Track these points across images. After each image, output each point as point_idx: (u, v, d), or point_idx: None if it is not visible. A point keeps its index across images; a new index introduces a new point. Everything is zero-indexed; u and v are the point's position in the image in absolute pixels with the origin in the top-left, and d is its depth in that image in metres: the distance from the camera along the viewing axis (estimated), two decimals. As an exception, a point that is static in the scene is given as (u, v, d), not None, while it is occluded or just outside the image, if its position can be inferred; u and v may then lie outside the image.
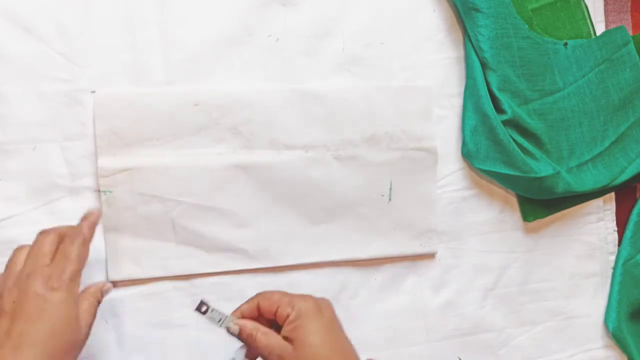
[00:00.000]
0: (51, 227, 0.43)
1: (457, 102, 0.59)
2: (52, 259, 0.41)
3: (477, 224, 0.59)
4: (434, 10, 0.58)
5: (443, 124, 0.58)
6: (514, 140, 0.56)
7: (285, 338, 0.42)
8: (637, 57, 0.61)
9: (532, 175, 0.56)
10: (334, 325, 0.43)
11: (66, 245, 0.42)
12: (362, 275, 0.57)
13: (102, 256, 0.51)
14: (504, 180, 0.59)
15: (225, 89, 0.53)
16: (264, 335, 0.42)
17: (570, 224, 0.63)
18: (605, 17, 0.63)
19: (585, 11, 0.62)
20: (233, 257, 0.53)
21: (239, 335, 0.43)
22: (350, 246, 0.56)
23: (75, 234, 0.43)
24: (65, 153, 0.50)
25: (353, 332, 0.56)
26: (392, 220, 0.56)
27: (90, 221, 0.45)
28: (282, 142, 0.53)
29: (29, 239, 0.49)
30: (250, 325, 0.43)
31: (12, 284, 0.39)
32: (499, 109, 0.57)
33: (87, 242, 0.43)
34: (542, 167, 0.57)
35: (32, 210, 0.50)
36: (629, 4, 0.64)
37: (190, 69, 0.52)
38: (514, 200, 0.61)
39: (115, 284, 0.51)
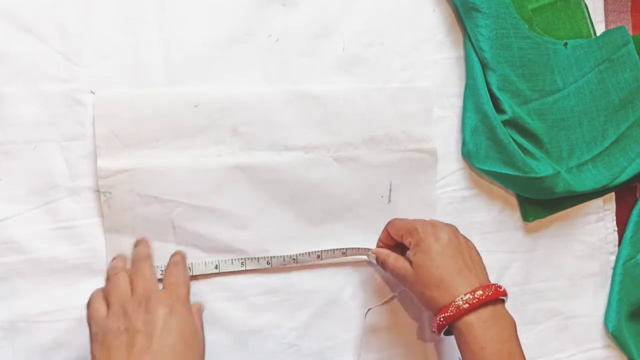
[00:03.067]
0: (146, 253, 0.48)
1: (457, 102, 0.59)
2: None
3: (477, 224, 0.59)
4: (434, 10, 0.58)
5: (443, 124, 0.58)
6: (514, 140, 0.56)
7: (409, 262, 0.49)
8: (637, 57, 0.61)
9: (532, 175, 0.56)
10: (448, 250, 0.48)
11: (172, 270, 0.46)
12: (362, 276, 0.57)
13: (101, 257, 0.51)
14: (504, 180, 0.59)
15: (226, 90, 0.53)
16: (393, 260, 0.50)
17: (570, 224, 0.63)
18: (605, 17, 0.63)
19: (585, 11, 0.62)
20: (233, 258, 0.53)
21: (377, 261, 0.53)
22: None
23: (176, 261, 0.48)
24: (65, 153, 0.50)
25: (353, 332, 0.57)
26: (390, 221, 0.56)
27: (182, 255, 0.49)
28: (282, 144, 0.53)
29: (29, 239, 0.49)
30: (383, 252, 0.52)
31: (136, 306, 0.42)
32: (499, 109, 0.57)
33: (186, 267, 0.48)
34: (542, 167, 0.57)
35: (32, 210, 0.50)
36: (629, 4, 0.64)
37: (190, 69, 0.52)
38: (514, 200, 0.61)
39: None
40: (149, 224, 0.51)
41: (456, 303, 0.45)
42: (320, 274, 0.56)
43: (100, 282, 0.51)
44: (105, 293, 0.44)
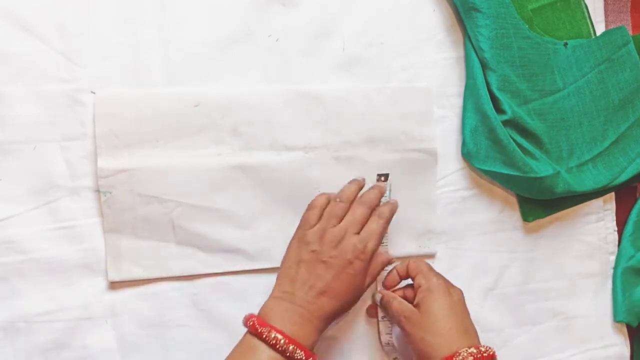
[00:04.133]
0: (366, 199, 0.52)
1: (457, 102, 0.59)
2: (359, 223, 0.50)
3: (477, 224, 0.59)
4: (434, 10, 0.58)
5: (443, 124, 0.58)
6: (514, 140, 0.56)
7: (415, 305, 0.49)
8: (637, 57, 0.61)
9: (532, 175, 0.56)
10: (459, 306, 0.49)
11: (374, 222, 0.51)
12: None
13: (101, 257, 0.51)
14: (504, 180, 0.59)
15: (226, 90, 0.53)
16: (398, 303, 0.50)
17: (570, 224, 0.62)
18: (605, 17, 0.63)
19: (585, 11, 0.62)
20: (233, 258, 0.53)
21: (380, 302, 0.53)
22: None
23: (382, 213, 0.52)
24: (65, 153, 0.50)
25: (353, 332, 0.56)
26: (391, 222, 0.56)
27: (392, 206, 0.53)
28: (282, 143, 0.53)
29: (29, 239, 0.49)
30: (389, 294, 0.52)
31: (332, 238, 0.48)
32: (499, 109, 0.57)
33: (388, 223, 0.52)
34: (542, 167, 0.57)
35: (32, 210, 0.50)
36: (629, 4, 0.64)
37: (190, 69, 0.52)
38: (514, 200, 0.61)
39: (115, 284, 0.51)
40: (149, 224, 0.51)
41: (462, 354, 0.45)
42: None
43: (100, 282, 0.51)
44: (324, 206, 0.51)
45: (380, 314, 0.56)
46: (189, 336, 0.53)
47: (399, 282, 0.53)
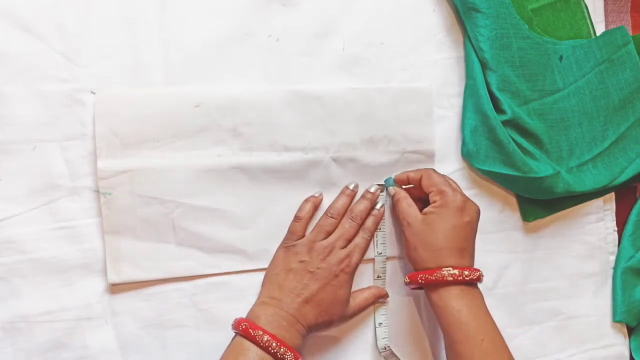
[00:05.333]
0: (355, 214, 0.54)
1: (457, 102, 0.59)
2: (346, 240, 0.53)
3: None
4: (434, 11, 0.58)
5: (443, 124, 0.58)
6: (514, 141, 0.56)
7: (424, 213, 0.51)
8: (637, 57, 0.61)
9: (532, 175, 0.56)
10: (465, 229, 0.50)
11: (360, 237, 0.54)
12: (362, 275, 0.57)
13: (101, 257, 0.51)
14: (504, 180, 0.59)
15: (226, 90, 0.53)
16: (407, 205, 0.52)
17: (570, 224, 0.62)
18: (605, 17, 0.63)
19: (585, 11, 0.62)
20: (233, 258, 0.53)
21: (392, 196, 0.55)
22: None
23: (366, 227, 0.55)
24: (65, 153, 0.50)
25: (352, 333, 0.57)
26: (390, 222, 0.56)
27: (376, 217, 0.55)
28: (282, 144, 0.53)
29: (29, 239, 0.49)
30: (402, 193, 0.54)
31: (321, 251, 0.51)
32: (498, 109, 0.57)
33: (372, 235, 0.55)
34: (542, 167, 0.57)
35: (32, 210, 0.50)
36: (629, 4, 0.64)
37: (190, 69, 0.52)
38: (514, 200, 0.61)
39: (115, 284, 0.51)
40: (149, 225, 0.51)
41: (442, 272, 0.48)
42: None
43: (100, 282, 0.51)
44: (308, 219, 0.54)
45: (377, 320, 0.56)
46: (189, 336, 0.53)
47: (416, 185, 0.54)
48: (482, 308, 0.49)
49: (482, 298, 0.50)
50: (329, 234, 0.53)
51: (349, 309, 0.53)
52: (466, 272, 0.48)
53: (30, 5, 0.49)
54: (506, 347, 0.48)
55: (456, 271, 0.48)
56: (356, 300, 0.53)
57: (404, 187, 0.55)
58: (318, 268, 0.51)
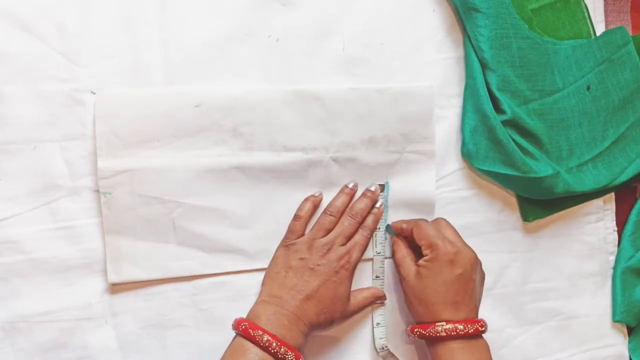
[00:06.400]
0: (355, 212, 0.54)
1: (457, 102, 0.59)
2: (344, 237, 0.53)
3: (477, 224, 0.59)
4: (434, 11, 0.58)
5: (443, 124, 0.58)
6: (514, 140, 0.56)
7: (417, 265, 0.51)
8: (637, 57, 0.61)
9: (532, 175, 0.56)
10: (458, 282, 0.49)
11: (359, 235, 0.54)
12: (362, 275, 0.57)
13: (101, 257, 0.51)
14: (504, 180, 0.59)
15: (226, 90, 0.53)
16: (401, 256, 0.53)
17: (570, 224, 0.62)
18: (605, 17, 0.63)
19: (585, 11, 0.62)
20: (233, 258, 0.53)
21: (392, 252, 0.55)
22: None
23: (366, 225, 0.55)
24: (65, 153, 0.50)
25: (351, 333, 0.57)
26: (391, 222, 0.56)
27: (376, 215, 0.55)
28: (282, 144, 0.53)
29: (29, 239, 0.49)
30: (398, 243, 0.55)
31: (320, 248, 0.51)
32: (498, 109, 0.57)
33: (372, 233, 0.55)
34: (541, 167, 0.57)
35: (32, 210, 0.50)
36: (629, 4, 0.64)
37: (190, 69, 0.52)
38: (514, 200, 0.61)
39: (115, 284, 0.51)
40: (149, 225, 0.51)
41: (436, 328, 0.49)
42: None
43: (100, 282, 0.51)
44: (308, 218, 0.54)
45: (375, 320, 0.56)
46: (189, 336, 0.53)
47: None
48: None
49: (486, 350, 0.50)
50: (329, 231, 0.53)
51: (349, 306, 0.52)
52: (460, 327, 0.48)
53: (30, 5, 0.49)
54: None
55: (450, 326, 0.48)
56: (357, 299, 0.53)
57: None
58: (318, 265, 0.51)
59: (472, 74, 0.57)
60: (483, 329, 0.49)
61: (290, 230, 0.53)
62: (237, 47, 0.53)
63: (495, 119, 0.56)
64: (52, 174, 0.50)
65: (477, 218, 0.59)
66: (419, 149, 0.57)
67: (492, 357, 0.50)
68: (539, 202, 0.60)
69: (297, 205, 0.54)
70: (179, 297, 0.53)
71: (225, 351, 0.47)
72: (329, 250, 0.52)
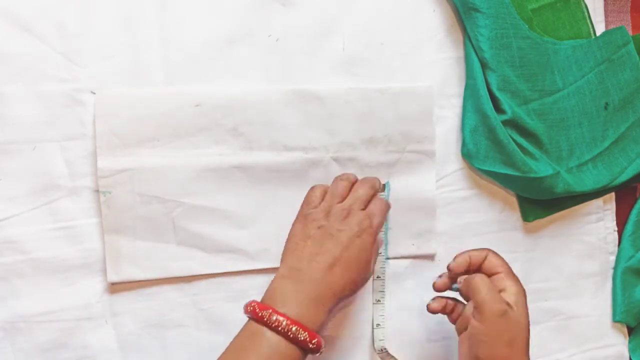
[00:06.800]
0: (368, 181, 0.52)
1: (457, 102, 0.59)
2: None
3: (477, 224, 0.59)
4: (434, 11, 0.58)
5: (443, 124, 0.58)
6: (514, 140, 0.56)
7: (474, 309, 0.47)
8: (637, 57, 0.61)
9: (532, 175, 0.56)
10: (508, 335, 0.46)
11: (377, 200, 0.51)
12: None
13: (101, 257, 0.51)
14: (504, 180, 0.59)
15: (226, 90, 0.53)
16: (465, 319, 0.48)
17: (570, 224, 0.63)
18: (605, 17, 0.63)
19: (585, 11, 0.62)
20: (233, 258, 0.53)
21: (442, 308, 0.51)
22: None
23: (383, 199, 0.53)
24: (65, 153, 0.50)
25: (350, 333, 0.57)
26: (390, 222, 0.56)
27: (388, 204, 0.53)
28: (282, 144, 0.53)
29: (29, 239, 0.49)
30: (456, 305, 0.51)
31: (339, 213, 0.48)
32: (498, 109, 0.57)
33: (388, 209, 0.53)
34: (541, 167, 0.57)
35: (32, 210, 0.50)
36: (629, 4, 0.64)
37: (190, 69, 0.52)
38: (514, 200, 0.61)
39: (115, 284, 0.51)
40: (149, 224, 0.51)
41: None
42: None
43: (100, 282, 0.51)
44: (325, 189, 0.51)
45: (375, 321, 0.56)
46: (189, 336, 0.53)
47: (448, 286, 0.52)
48: None
49: None
50: (344, 198, 0.50)
51: (369, 273, 0.49)
52: None
53: (30, 5, 0.49)
54: None
55: None
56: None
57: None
58: (339, 229, 0.47)
59: (472, 74, 0.57)
60: None
61: (306, 202, 0.51)
62: (237, 47, 0.53)
63: (496, 119, 0.56)
64: (52, 174, 0.50)
65: (477, 218, 0.59)
66: (419, 148, 0.57)
67: None
68: (539, 202, 0.60)
69: (298, 205, 0.54)
70: (178, 297, 0.53)
71: (237, 334, 0.45)
72: (348, 214, 0.48)
